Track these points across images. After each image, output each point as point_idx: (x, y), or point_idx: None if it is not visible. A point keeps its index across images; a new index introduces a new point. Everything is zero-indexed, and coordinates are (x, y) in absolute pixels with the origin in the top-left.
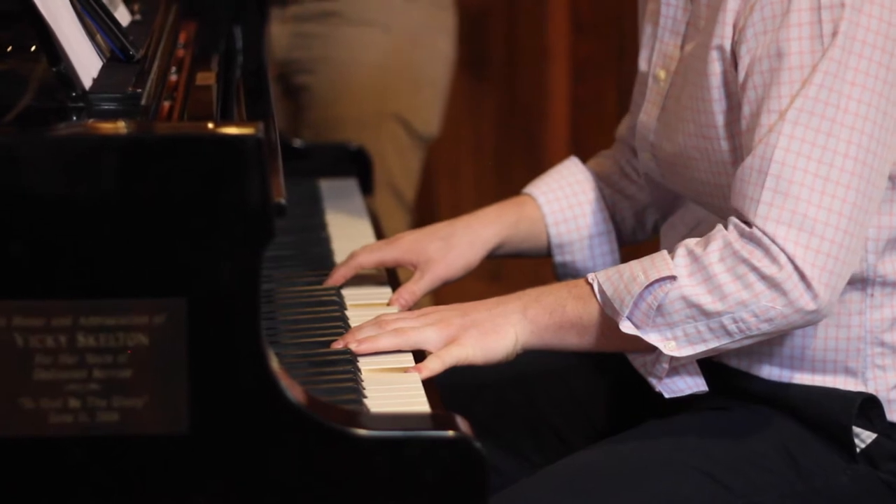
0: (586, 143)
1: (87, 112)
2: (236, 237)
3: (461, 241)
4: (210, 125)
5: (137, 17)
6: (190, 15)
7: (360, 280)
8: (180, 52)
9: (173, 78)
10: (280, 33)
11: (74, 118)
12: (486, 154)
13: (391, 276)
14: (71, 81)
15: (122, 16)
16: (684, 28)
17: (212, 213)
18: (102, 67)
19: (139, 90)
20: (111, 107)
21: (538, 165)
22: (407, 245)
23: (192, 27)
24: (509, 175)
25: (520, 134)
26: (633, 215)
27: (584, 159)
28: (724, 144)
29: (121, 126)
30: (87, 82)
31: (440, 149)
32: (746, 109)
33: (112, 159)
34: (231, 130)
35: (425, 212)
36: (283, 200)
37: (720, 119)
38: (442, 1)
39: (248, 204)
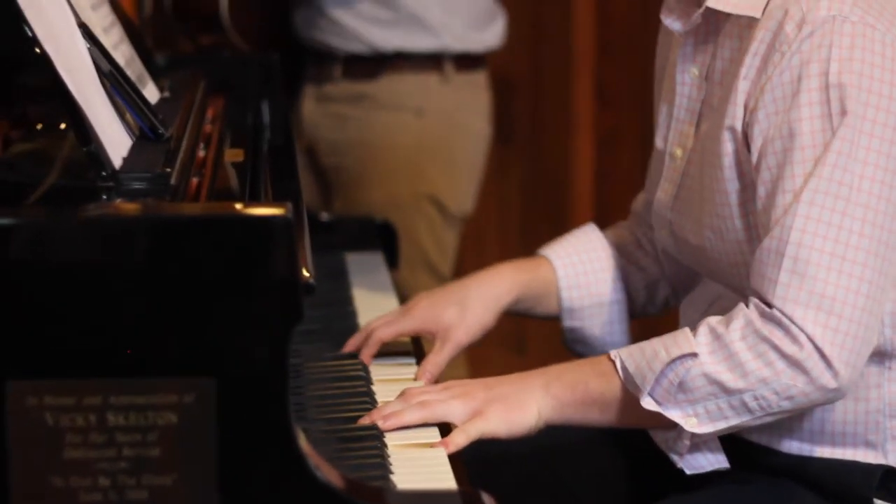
0: (611, 214)
1: (117, 192)
2: (266, 317)
3: (475, 303)
4: (239, 206)
5: (166, 93)
6: (217, 90)
7: (384, 348)
8: (208, 128)
9: (201, 154)
10: (314, 112)
11: (105, 198)
12: (511, 223)
13: (415, 344)
14: (101, 161)
15: (151, 93)
16: (699, 107)
17: (241, 294)
18: (132, 146)
19: (168, 170)
20: (141, 186)
21: (562, 232)
22: (423, 314)
23: (219, 102)
24: (534, 245)
25: (545, 204)
26: (645, 287)
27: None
28: (739, 223)
29: (150, 207)
30: (116, 161)
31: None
32: (761, 190)
33: (141, 240)
34: (260, 211)
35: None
36: (312, 280)
37: (734, 198)
38: (477, 80)
39: (277, 284)
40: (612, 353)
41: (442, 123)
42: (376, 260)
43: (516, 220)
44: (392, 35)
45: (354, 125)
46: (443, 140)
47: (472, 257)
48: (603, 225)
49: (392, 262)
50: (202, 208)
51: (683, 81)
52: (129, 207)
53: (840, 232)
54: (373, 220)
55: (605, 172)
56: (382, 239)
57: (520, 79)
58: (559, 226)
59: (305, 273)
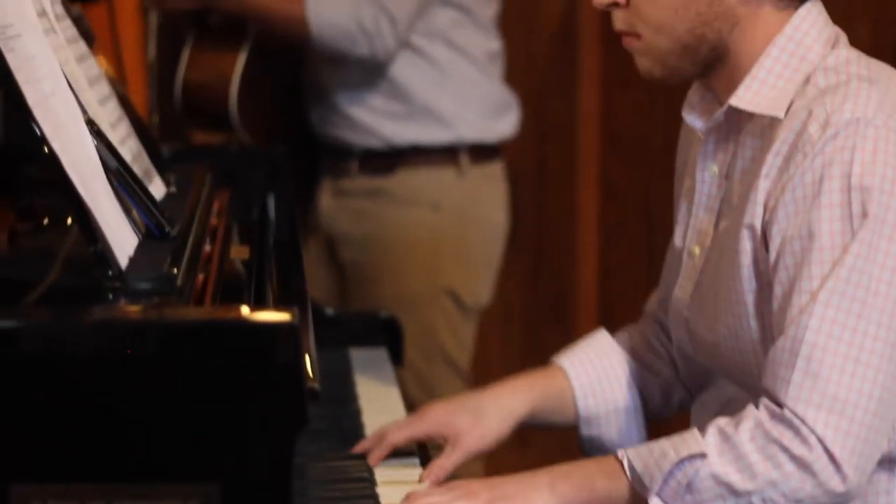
0: (616, 308)
1: (123, 292)
2: (269, 423)
3: (490, 413)
4: (245, 310)
5: (173, 188)
6: (224, 183)
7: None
8: (214, 221)
9: (207, 248)
10: (331, 206)
11: (110, 297)
12: (514, 316)
13: (420, 446)
14: (107, 260)
15: (158, 188)
16: (718, 205)
17: (246, 399)
18: (138, 244)
19: (174, 270)
20: (147, 287)
21: (566, 330)
22: (436, 419)
23: (225, 195)
24: (537, 338)
25: (549, 297)
26: (660, 391)
27: (614, 325)
28: (754, 323)
29: (155, 311)
30: (123, 261)
31: None
32: (778, 289)
33: (147, 344)
34: (266, 317)
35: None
36: (316, 386)
37: (750, 298)
38: (493, 172)
39: (281, 390)
40: (620, 453)
41: (458, 217)
42: (381, 356)
43: (520, 312)
44: (406, 128)
45: (371, 220)
46: (459, 234)
47: (475, 350)
48: (608, 319)
49: (396, 358)
50: (208, 313)
51: (703, 179)
52: (134, 311)
53: (855, 335)
54: (378, 316)
55: (609, 266)
56: (387, 335)
57: (524, 171)
58: (563, 319)
59: (310, 379)
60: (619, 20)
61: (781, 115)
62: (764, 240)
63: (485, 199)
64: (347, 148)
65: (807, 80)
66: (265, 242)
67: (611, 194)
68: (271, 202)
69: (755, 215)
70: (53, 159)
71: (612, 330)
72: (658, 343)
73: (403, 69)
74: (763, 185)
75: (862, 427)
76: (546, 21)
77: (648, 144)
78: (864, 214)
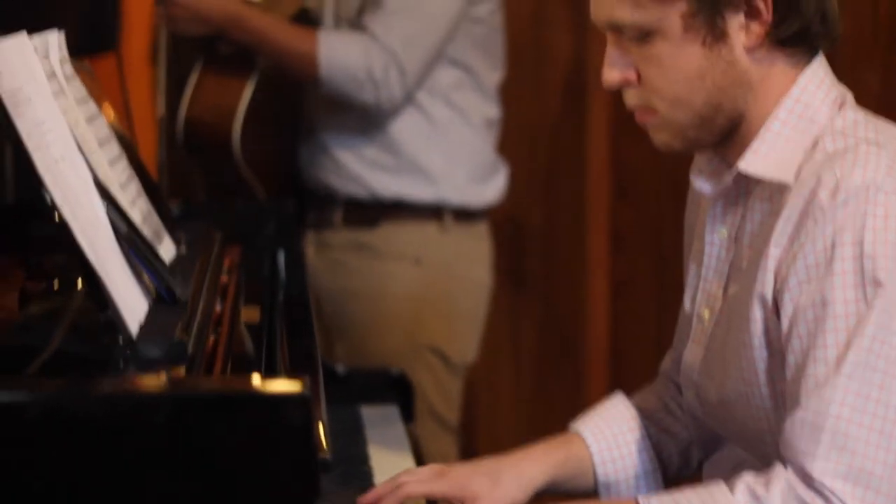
0: (626, 361)
1: (134, 360)
2: (282, 494)
3: (508, 480)
4: (256, 381)
5: (183, 248)
6: (233, 239)
7: None
8: (224, 279)
9: (218, 309)
10: (314, 259)
11: (121, 365)
12: (525, 369)
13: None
14: (118, 327)
15: (168, 249)
16: (727, 268)
17: (257, 471)
18: (149, 309)
19: (185, 338)
20: (157, 355)
21: (577, 381)
22: (455, 480)
23: (236, 252)
24: (549, 392)
25: (559, 351)
26: (679, 453)
27: (624, 377)
28: (765, 391)
29: (166, 382)
30: (133, 327)
31: (477, 360)
32: (791, 359)
33: (157, 417)
34: (276, 388)
35: (461, 424)
36: (328, 457)
37: (761, 366)
38: (477, 231)
39: (293, 461)
40: (642, 499)
41: (441, 273)
42: (392, 414)
43: (531, 366)
44: (392, 182)
45: (354, 274)
46: (442, 290)
47: (486, 404)
48: (618, 370)
49: (407, 415)
50: (219, 384)
51: (712, 242)
52: (144, 383)
53: (878, 406)
54: (388, 372)
55: (620, 319)
56: (397, 391)
57: (534, 223)
58: (574, 373)
59: (322, 450)
60: (632, 97)
61: (790, 179)
62: (775, 308)
63: (468, 257)
64: (332, 195)
65: (815, 144)
66: (275, 302)
67: (620, 246)
68: (281, 257)
69: (766, 284)
70: (64, 226)
71: (624, 382)
72: (675, 404)
73: (400, 122)
74: (773, 253)
75: (888, 499)
76: (555, 71)
77: (658, 196)
78: (878, 282)
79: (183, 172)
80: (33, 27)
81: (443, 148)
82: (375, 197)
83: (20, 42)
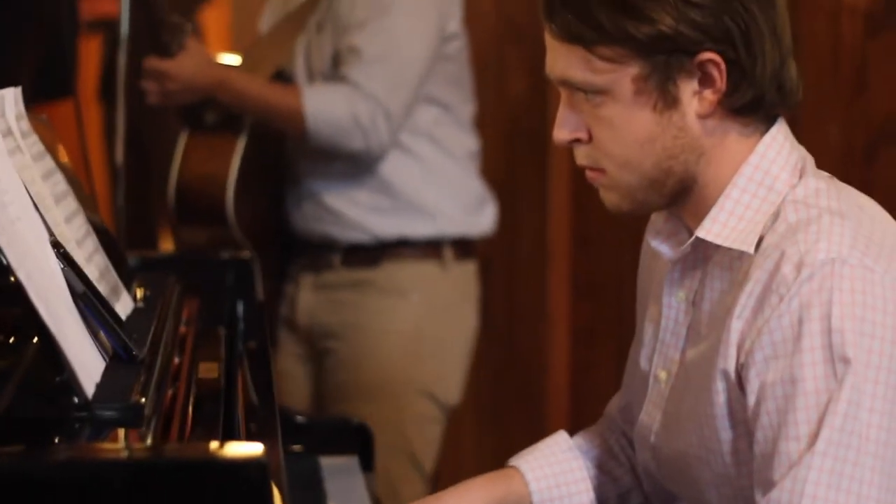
0: (587, 408)
1: (90, 422)
2: None
3: None
4: (213, 446)
5: (140, 304)
6: (192, 290)
7: None
8: (182, 330)
9: (176, 361)
10: (311, 300)
11: (76, 428)
12: (485, 414)
13: None
14: (73, 390)
15: (125, 305)
16: (685, 332)
17: None
18: (105, 368)
19: (142, 399)
20: (114, 416)
21: (537, 427)
22: None
23: (194, 303)
24: (509, 437)
25: (519, 396)
26: (618, 497)
27: (584, 423)
28: (728, 459)
29: (123, 448)
30: (89, 388)
31: None
32: (760, 435)
33: (114, 483)
34: (235, 453)
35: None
36: None
37: (724, 435)
38: (471, 272)
39: None
40: None
41: (439, 312)
42: (352, 465)
43: (491, 410)
44: (392, 223)
45: (353, 309)
46: (438, 329)
47: (447, 448)
48: (578, 416)
49: (367, 465)
50: (176, 451)
51: (670, 304)
52: (101, 449)
53: (852, 482)
54: (349, 422)
55: (581, 365)
56: (358, 441)
57: (495, 270)
58: (534, 419)
59: None
60: (582, 155)
61: (750, 249)
62: (739, 383)
63: (464, 297)
64: (331, 243)
65: (777, 214)
66: (234, 355)
67: (582, 293)
68: (241, 308)
69: (728, 358)
70: (19, 288)
71: (584, 428)
72: (618, 447)
73: (389, 165)
74: (736, 326)
75: None
76: (515, 118)
77: (619, 243)
78: (846, 359)
79: (139, 218)
80: None
81: (434, 184)
82: (377, 239)
83: None
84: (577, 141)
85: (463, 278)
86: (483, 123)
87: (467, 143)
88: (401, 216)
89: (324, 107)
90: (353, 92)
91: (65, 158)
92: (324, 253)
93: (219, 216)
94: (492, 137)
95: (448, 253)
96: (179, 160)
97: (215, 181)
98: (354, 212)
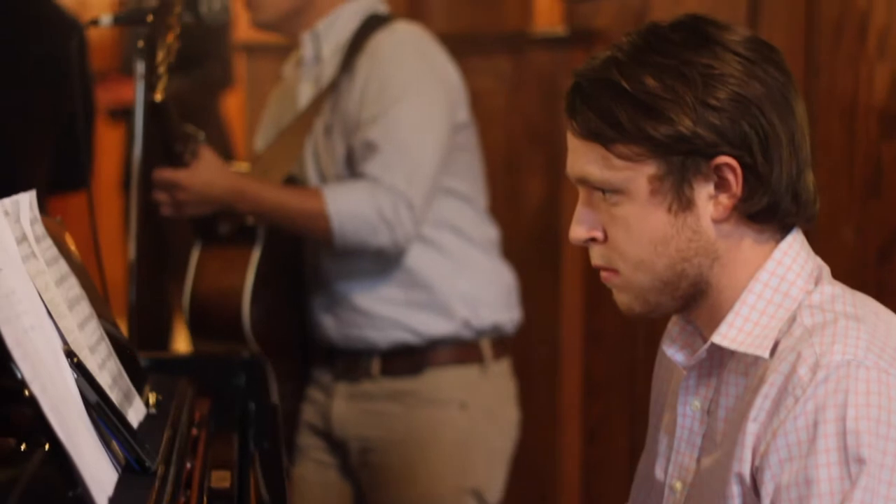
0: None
1: None
2: None
3: None
4: None
5: (153, 409)
6: (204, 392)
7: None
8: (195, 432)
9: (188, 466)
10: (346, 411)
11: None
12: None
13: None
14: (85, 502)
15: (138, 411)
16: (700, 441)
17: None
18: (118, 481)
19: None
20: None
21: None
22: None
23: (206, 405)
24: None
25: (530, 496)
26: None
27: None
28: None
29: None
30: (101, 501)
31: None
32: None
33: None
34: None
35: None
36: None
37: None
38: (508, 368)
39: None
40: None
41: (484, 416)
42: None
43: None
44: (430, 317)
45: (397, 423)
46: (485, 432)
47: None
48: None
49: None
50: None
51: (685, 413)
52: None
53: None
54: None
55: (592, 464)
56: None
57: None
58: None
59: None
60: (597, 255)
61: (766, 354)
62: (754, 486)
63: (504, 397)
64: (369, 348)
65: (792, 319)
66: (246, 458)
67: (594, 391)
68: (252, 410)
69: (743, 461)
70: (33, 402)
71: None
72: None
73: (416, 259)
74: (751, 429)
75: None
76: (527, 216)
77: (632, 341)
78: (861, 460)
79: (151, 317)
80: (7, 165)
81: (464, 275)
82: (418, 335)
83: None
84: (593, 240)
85: (502, 377)
86: (496, 221)
87: (488, 231)
88: (438, 310)
89: (347, 205)
90: (373, 186)
91: (79, 258)
92: (360, 360)
93: (235, 330)
94: (505, 235)
95: (487, 351)
96: (193, 274)
97: (230, 296)
98: (388, 309)
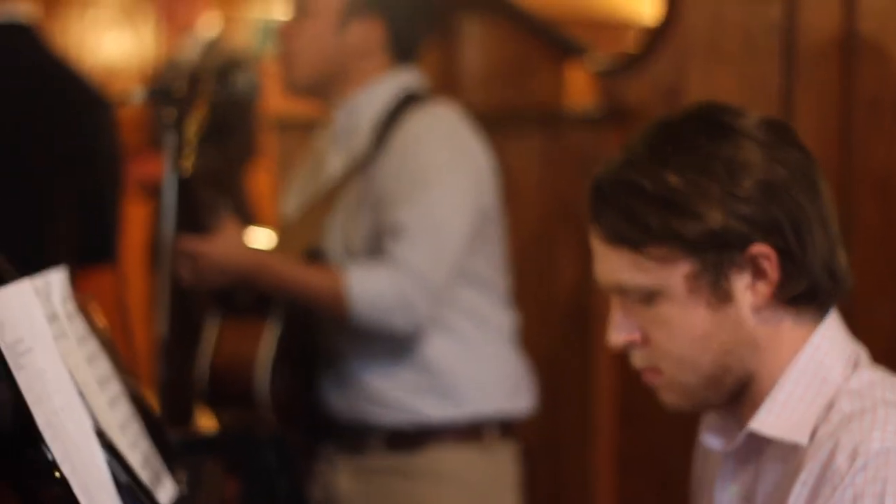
0: None
1: None
2: None
3: None
4: None
5: (184, 489)
6: (233, 469)
7: None
8: None
9: None
10: (351, 486)
11: None
12: None
13: None
14: None
15: (168, 491)
16: None
17: None
18: None
19: None
20: None
21: None
22: None
23: (234, 484)
24: None
25: None
26: None
27: None
28: None
29: None
30: None
31: None
32: None
33: None
34: None
35: None
36: None
37: None
38: (511, 452)
39: None
40: None
41: (484, 497)
42: None
43: None
44: (436, 403)
45: (398, 498)
46: None
47: None
48: None
49: None
50: None
51: (723, 500)
52: None
53: None
54: None
55: None
56: None
57: (539, 446)
58: None
59: None
60: (638, 358)
61: (805, 440)
62: None
63: (505, 481)
64: (374, 426)
65: (830, 405)
66: None
67: (627, 470)
68: (282, 486)
69: None
70: (64, 483)
71: None
72: None
73: (429, 343)
74: None
75: None
76: (560, 295)
77: (664, 421)
78: None
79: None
80: (35, 239)
81: (475, 362)
82: (422, 421)
83: (21, 290)
84: (632, 344)
85: (505, 460)
86: (526, 300)
87: (506, 319)
88: (444, 396)
89: (369, 287)
90: (397, 269)
91: (108, 334)
92: (365, 436)
93: (250, 400)
94: (535, 314)
95: (490, 435)
96: (211, 343)
97: (247, 366)
98: (396, 393)
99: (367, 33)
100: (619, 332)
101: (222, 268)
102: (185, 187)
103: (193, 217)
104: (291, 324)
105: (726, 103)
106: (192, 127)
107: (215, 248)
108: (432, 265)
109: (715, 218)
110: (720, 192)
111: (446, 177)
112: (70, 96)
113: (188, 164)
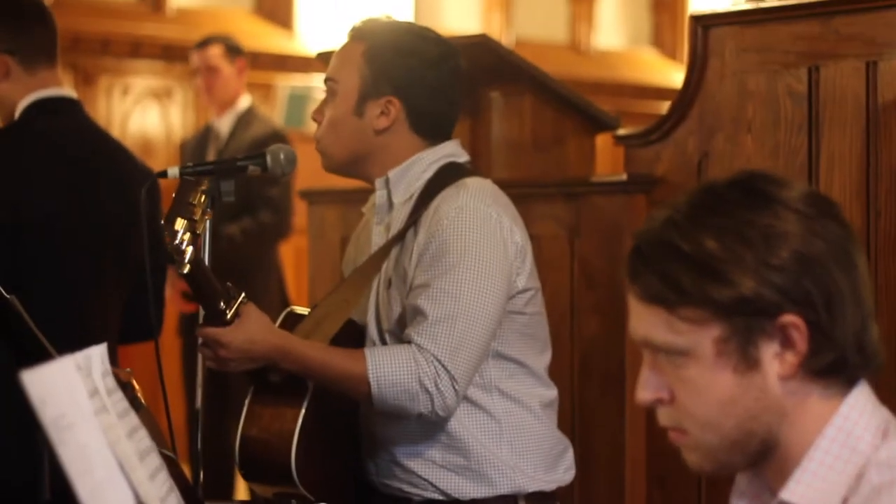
0: None
1: None
2: None
3: None
4: None
5: None
6: None
7: None
8: None
9: None
10: None
11: None
12: None
13: None
14: None
15: None
16: None
17: None
18: None
19: None
20: None
21: None
22: None
23: None
24: None
25: None
26: None
27: None
28: None
29: None
30: None
31: None
32: None
33: None
34: None
35: None
36: None
37: None
38: None
39: None
40: None
41: None
42: None
43: None
44: (465, 482)
45: None
46: None
47: None
48: None
49: None
50: None
51: None
52: None
53: None
54: None
55: None
56: None
57: None
58: None
59: None
60: (664, 416)
61: None
62: None
63: None
64: (405, 497)
65: (860, 475)
66: None
67: None
68: None
69: None
70: None
71: None
72: None
73: (461, 422)
74: None
75: None
76: (592, 357)
77: (696, 485)
78: None
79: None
80: (79, 316)
81: (509, 440)
82: (450, 497)
83: (63, 366)
84: (660, 401)
85: None
86: (557, 366)
87: (544, 394)
88: (474, 475)
89: (388, 371)
90: (416, 355)
91: (146, 407)
92: None
93: (284, 476)
94: (566, 380)
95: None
96: (244, 419)
97: (279, 443)
98: (426, 471)
99: (386, 113)
100: (647, 390)
101: (244, 354)
102: (192, 278)
103: (208, 304)
104: (322, 401)
105: (773, 173)
106: (200, 208)
107: (236, 335)
108: (452, 353)
109: (747, 285)
110: (754, 260)
111: (470, 262)
112: (124, 168)
113: (188, 260)
